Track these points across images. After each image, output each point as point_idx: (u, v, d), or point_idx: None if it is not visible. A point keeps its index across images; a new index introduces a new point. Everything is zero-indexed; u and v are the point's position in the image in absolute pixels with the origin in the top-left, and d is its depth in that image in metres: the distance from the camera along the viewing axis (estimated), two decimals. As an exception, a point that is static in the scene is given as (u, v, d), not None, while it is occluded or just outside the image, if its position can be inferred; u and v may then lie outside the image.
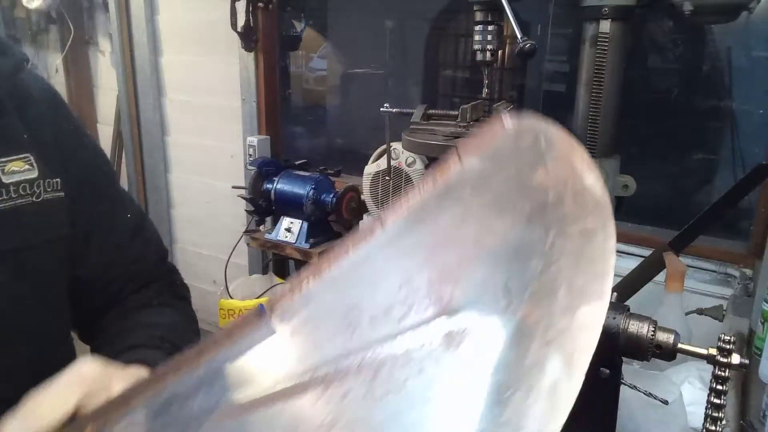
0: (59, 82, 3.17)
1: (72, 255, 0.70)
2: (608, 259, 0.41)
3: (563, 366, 0.35)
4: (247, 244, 2.31)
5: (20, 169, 0.63)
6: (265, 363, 0.37)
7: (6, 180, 0.62)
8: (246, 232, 2.26)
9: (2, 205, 0.61)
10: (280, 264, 2.47)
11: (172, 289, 0.81)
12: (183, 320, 0.77)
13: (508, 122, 0.49)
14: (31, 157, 0.65)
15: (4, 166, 0.62)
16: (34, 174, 0.64)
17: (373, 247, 0.41)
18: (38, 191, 0.65)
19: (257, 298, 2.22)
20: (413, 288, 0.39)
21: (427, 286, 0.39)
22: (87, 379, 0.45)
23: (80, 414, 0.42)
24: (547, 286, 0.39)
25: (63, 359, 0.69)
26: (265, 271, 2.57)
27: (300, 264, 2.25)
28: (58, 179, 0.67)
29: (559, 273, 0.40)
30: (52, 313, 0.70)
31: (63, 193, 0.67)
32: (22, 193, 0.63)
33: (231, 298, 2.26)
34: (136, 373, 0.48)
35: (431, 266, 0.41)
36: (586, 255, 0.41)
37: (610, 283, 0.39)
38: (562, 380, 0.34)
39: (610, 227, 0.43)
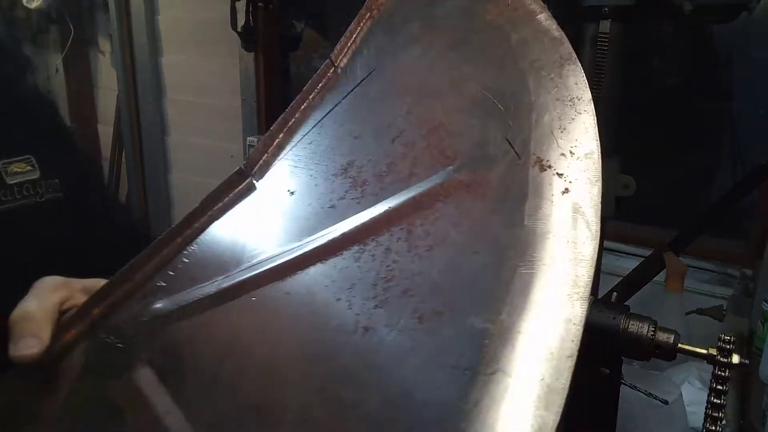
0: (59, 82, 3.17)
1: (69, 253, 0.71)
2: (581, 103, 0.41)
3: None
4: (247, 244, 2.30)
5: (22, 170, 0.64)
6: (264, 227, 0.37)
7: (9, 181, 0.63)
8: (246, 232, 2.26)
9: (7, 205, 0.63)
10: (280, 264, 2.47)
11: None
12: None
13: None
14: (33, 159, 0.66)
15: (7, 167, 0.63)
16: (36, 175, 0.66)
17: (337, 95, 0.40)
18: (41, 191, 0.66)
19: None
20: (408, 142, 0.39)
21: (423, 140, 0.38)
22: (58, 282, 0.44)
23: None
24: (546, 136, 0.39)
25: None
26: (265, 271, 2.57)
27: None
28: (57, 180, 0.68)
29: (552, 121, 0.40)
30: None
31: (62, 194, 0.68)
32: (26, 193, 0.64)
33: (231, 298, 2.26)
34: (95, 281, 0.46)
35: (418, 117, 0.39)
36: (563, 99, 0.41)
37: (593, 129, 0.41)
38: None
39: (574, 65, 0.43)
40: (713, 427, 0.61)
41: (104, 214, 0.81)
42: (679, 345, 0.62)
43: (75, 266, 0.71)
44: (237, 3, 2.22)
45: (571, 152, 0.38)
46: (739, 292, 1.50)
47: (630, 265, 1.49)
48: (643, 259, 1.38)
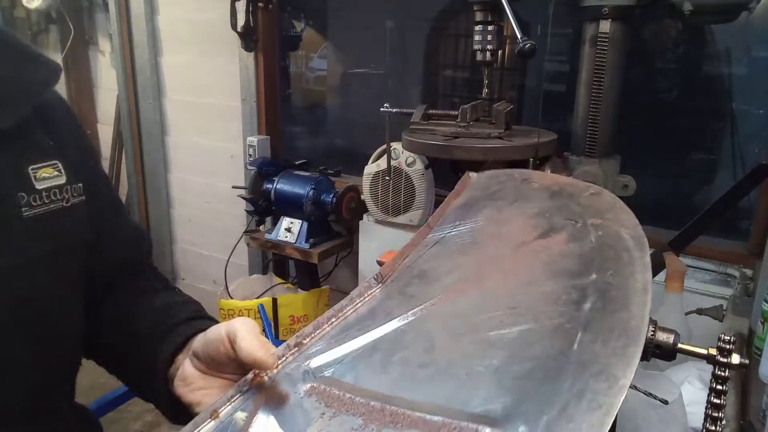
0: (59, 82, 3.16)
1: (90, 255, 0.73)
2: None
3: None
4: (247, 244, 2.31)
5: (50, 175, 0.66)
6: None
7: (39, 186, 0.64)
8: (246, 232, 2.27)
9: (37, 210, 0.64)
10: (280, 264, 2.47)
11: (162, 276, 0.86)
12: (193, 299, 0.81)
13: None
14: (59, 164, 0.67)
15: (36, 172, 0.65)
16: (63, 180, 0.67)
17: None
18: (67, 196, 0.68)
19: (257, 298, 2.22)
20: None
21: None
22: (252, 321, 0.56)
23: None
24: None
25: (79, 351, 0.74)
26: (265, 271, 2.57)
27: (300, 264, 2.25)
28: (81, 184, 0.70)
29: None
30: (80, 311, 0.74)
31: (84, 197, 0.70)
32: (54, 198, 0.66)
33: (231, 298, 2.26)
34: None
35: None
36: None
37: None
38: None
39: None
40: (713, 427, 0.61)
41: (117, 211, 0.83)
42: (679, 345, 0.62)
43: (93, 262, 0.73)
44: (237, 3, 2.22)
45: None
46: (739, 292, 1.50)
47: (630, 265, 1.49)
48: (643, 259, 1.38)
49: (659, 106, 1.79)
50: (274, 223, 2.22)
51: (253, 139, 2.38)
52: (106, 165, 3.19)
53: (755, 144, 1.65)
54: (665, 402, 0.75)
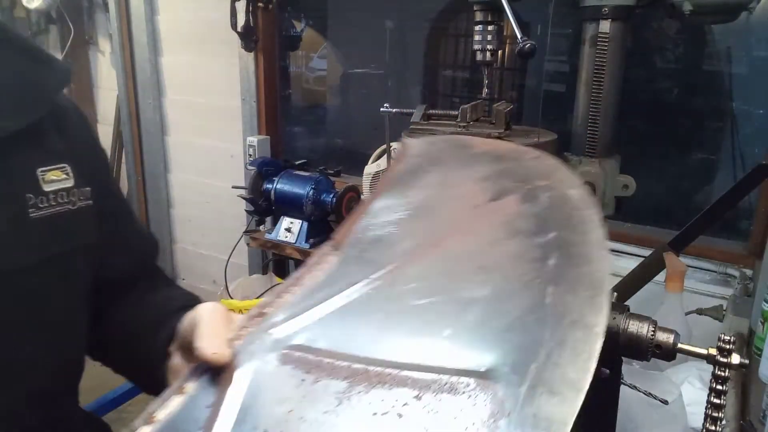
0: (59, 82, 3.17)
1: (98, 259, 0.74)
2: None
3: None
4: (247, 244, 2.31)
5: (58, 178, 0.67)
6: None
7: (46, 188, 0.65)
8: (246, 232, 2.26)
9: (44, 212, 0.64)
10: (280, 264, 2.47)
11: (165, 276, 0.88)
12: (191, 293, 0.82)
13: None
14: (68, 167, 0.68)
15: (44, 174, 0.65)
16: (71, 183, 0.68)
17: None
18: (74, 199, 0.68)
19: (257, 298, 2.22)
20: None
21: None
22: (220, 305, 0.57)
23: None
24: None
25: (83, 355, 0.75)
26: (265, 271, 2.57)
27: (300, 264, 2.25)
28: (89, 188, 0.70)
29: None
30: (86, 314, 0.74)
31: (92, 201, 0.71)
32: (60, 201, 0.66)
33: (231, 298, 2.26)
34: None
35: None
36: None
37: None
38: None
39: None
40: (713, 427, 0.61)
41: (126, 217, 0.84)
42: (679, 345, 0.62)
43: (100, 267, 0.73)
44: (237, 3, 2.22)
45: None
46: (739, 292, 1.50)
47: (630, 265, 1.48)
48: (643, 259, 1.38)
49: (659, 106, 1.79)
50: (274, 223, 2.22)
51: (253, 139, 2.37)
52: (106, 165, 3.19)
53: (755, 144, 1.65)
54: (665, 402, 0.75)
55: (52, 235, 0.65)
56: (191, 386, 0.47)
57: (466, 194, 0.60)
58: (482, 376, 0.39)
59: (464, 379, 0.39)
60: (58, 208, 0.66)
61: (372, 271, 0.51)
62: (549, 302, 0.43)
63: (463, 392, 0.38)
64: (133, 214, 0.85)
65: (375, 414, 0.39)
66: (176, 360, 0.63)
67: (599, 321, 0.40)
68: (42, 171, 0.65)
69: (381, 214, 0.60)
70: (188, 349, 0.57)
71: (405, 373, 0.41)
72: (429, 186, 0.63)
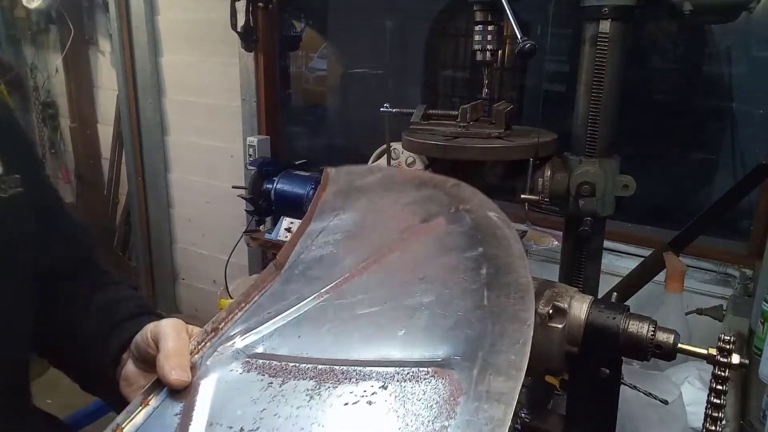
0: (59, 82, 3.17)
1: (36, 251, 0.71)
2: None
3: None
4: (247, 244, 2.30)
5: None
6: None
7: None
8: (246, 232, 2.26)
9: None
10: (280, 264, 2.47)
11: (104, 271, 0.84)
12: (136, 293, 0.80)
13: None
14: None
15: None
16: (0, 170, 0.65)
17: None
18: (4, 187, 0.65)
19: (257, 298, 2.21)
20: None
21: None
22: (182, 325, 0.57)
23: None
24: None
25: (29, 348, 0.72)
26: (265, 271, 2.57)
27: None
28: (18, 175, 0.67)
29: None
30: (30, 307, 0.72)
31: (23, 189, 0.68)
32: None
33: (231, 298, 2.26)
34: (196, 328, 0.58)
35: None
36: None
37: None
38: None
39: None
40: (713, 427, 0.61)
41: (59, 208, 0.81)
42: (679, 345, 0.62)
43: (38, 258, 0.71)
44: (237, 3, 2.22)
45: None
46: (739, 292, 1.49)
47: (630, 265, 1.49)
48: (643, 259, 1.38)
49: (659, 106, 1.79)
50: (274, 223, 2.22)
51: (253, 139, 2.37)
52: (106, 165, 3.19)
53: (755, 144, 1.65)
54: (665, 402, 0.75)
55: None
56: (155, 398, 0.49)
57: (396, 217, 0.67)
58: (439, 364, 0.44)
59: (424, 369, 0.44)
60: None
61: (319, 287, 0.56)
62: (487, 303, 0.50)
63: (424, 379, 0.43)
64: (65, 205, 0.83)
65: (346, 404, 0.43)
66: (130, 369, 0.62)
67: (529, 316, 0.47)
68: None
69: (317, 236, 0.65)
70: (146, 361, 0.57)
71: (369, 368, 0.45)
72: (359, 210, 0.70)
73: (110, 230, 3.27)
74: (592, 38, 1.07)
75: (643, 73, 1.76)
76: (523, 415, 0.80)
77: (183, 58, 2.64)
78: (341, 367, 0.46)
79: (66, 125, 3.24)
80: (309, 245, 0.64)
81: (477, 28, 1.18)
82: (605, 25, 1.05)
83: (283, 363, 0.48)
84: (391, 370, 0.44)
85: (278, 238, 2.15)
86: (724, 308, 1.38)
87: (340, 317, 0.52)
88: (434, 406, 0.41)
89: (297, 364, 0.47)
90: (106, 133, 3.11)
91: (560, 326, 0.65)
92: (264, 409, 0.44)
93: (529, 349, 0.44)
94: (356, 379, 0.44)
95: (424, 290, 0.53)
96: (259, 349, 0.50)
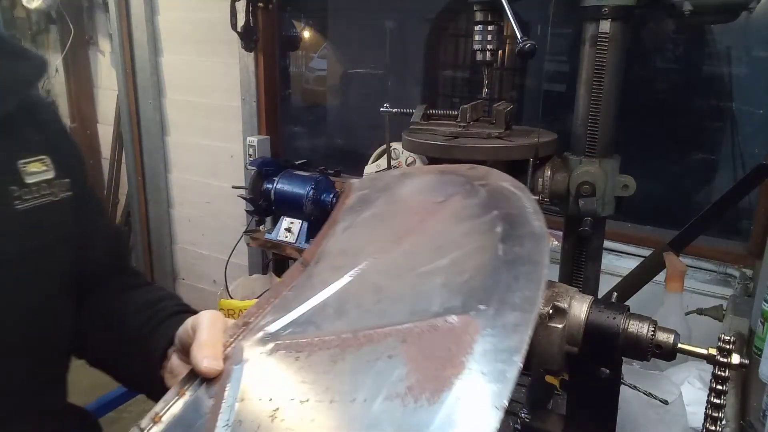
0: (59, 82, 3.17)
1: (75, 251, 0.73)
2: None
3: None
4: (247, 244, 2.31)
5: (39, 170, 0.66)
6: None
7: (28, 180, 0.65)
8: (246, 232, 2.26)
9: (28, 204, 0.64)
10: (280, 264, 2.47)
11: (140, 273, 0.88)
12: (174, 293, 0.82)
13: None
14: (48, 159, 0.68)
15: (25, 167, 0.65)
16: (52, 174, 0.68)
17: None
18: (56, 191, 0.68)
19: (257, 297, 2.22)
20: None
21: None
22: (219, 316, 0.59)
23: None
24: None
25: (68, 349, 0.75)
26: (265, 271, 2.57)
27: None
28: (68, 179, 0.70)
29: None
30: (70, 308, 0.74)
31: (72, 192, 0.70)
32: (43, 192, 0.66)
33: (231, 298, 2.26)
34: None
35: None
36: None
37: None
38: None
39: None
40: (713, 427, 0.61)
41: (100, 213, 0.84)
42: (679, 345, 0.62)
43: (79, 260, 0.73)
44: (237, 3, 2.22)
45: None
46: (739, 292, 1.50)
47: (630, 265, 1.49)
48: (643, 259, 1.38)
49: (659, 106, 1.79)
50: (274, 223, 2.22)
51: (253, 139, 2.37)
52: (106, 165, 3.19)
53: (755, 144, 1.65)
54: (665, 402, 0.75)
55: (37, 227, 0.65)
56: (191, 388, 0.51)
57: (416, 204, 0.71)
58: (455, 312, 0.46)
59: (441, 319, 0.46)
60: (42, 200, 0.66)
61: (343, 273, 0.58)
62: (501, 254, 0.52)
63: (441, 326, 0.46)
64: (104, 207, 0.86)
65: (368, 361, 0.45)
66: (175, 362, 0.64)
67: (545, 260, 0.50)
68: (22, 163, 0.65)
69: (342, 233, 0.68)
70: (188, 352, 0.58)
71: (388, 329, 0.47)
72: (380, 205, 0.73)
73: (110, 230, 3.27)
74: (592, 38, 1.07)
75: (643, 73, 1.76)
76: (523, 415, 0.80)
77: (183, 58, 2.64)
78: (363, 331, 0.48)
79: (66, 125, 3.24)
80: (333, 242, 0.67)
81: (477, 28, 1.18)
82: (605, 25, 1.05)
83: (310, 338, 0.50)
84: (410, 325, 0.46)
85: (278, 238, 2.15)
86: (724, 308, 1.38)
87: (363, 294, 0.54)
88: (451, 346, 0.43)
89: (322, 338, 0.49)
90: (106, 133, 3.11)
91: (560, 326, 0.65)
92: (291, 380, 0.46)
93: (544, 285, 0.46)
94: (377, 340, 0.46)
95: (441, 255, 0.55)
96: (287, 333, 0.52)
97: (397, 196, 0.75)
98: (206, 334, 0.55)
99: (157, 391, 0.65)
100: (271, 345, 0.51)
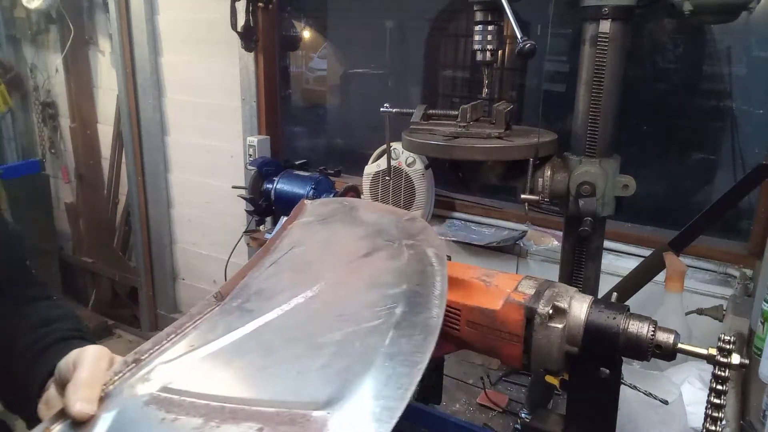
0: (59, 82, 3.17)
1: None
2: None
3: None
4: (247, 244, 2.30)
5: None
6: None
7: None
8: (246, 232, 2.26)
9: None
10: (280, 264, 2.47)
11: (41, 282, 0.82)
12: (72, 312, 0.79)
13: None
14: None
15: None
16: None
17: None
18: None
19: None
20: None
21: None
22: (104, 353, 0.56)
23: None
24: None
25: None
26: (265, 271, 2.57)
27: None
28: None
29: None
30: None
31: None
32: None
33: (231, 298, 2.26)
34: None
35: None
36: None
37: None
38: None
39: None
40: (713, 427, 0.61)
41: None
42: (679, 345, 0.62)
43: None
44: (237, 3, 2.22)
45: None
46: (739, 292, 1.49)
47: (630, 265, 1.49)
48: (643, 259, 1.38)
49: (659, 106, 1.79)
50: (274, 223, 2.22)
51: (253, 139, 2.37)
52: (106, 165, 3.19)
53: (755, 144, 1.65)
54: (665, 402, 0.75)
55: None
56: (58, 428, 0.50)
57: (345, 251, 0.72)
58: (318, 407, 0.47)
59: (302, 411, 0.47)
60: None
61: (249, 320, 0.59)
62: (387, 344, 0.53)
63: (299, 422, 0.46)
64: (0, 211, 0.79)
65: None
66: (52, 393, 0.61)
67: (423, 360, 0.51)
68: None
69: (267, 268, 0.69)
70: (65, 387, 0.56)
71: (255, 408, 0.48)
72: (314, 243, 0.75)
73: (110, 230, 3.27)
74: (592, 38, 1.07)
75: (643, 73, 1.76)
76: (523, 415, 0.80)
77: (183, 58, 2.64)
78: (231, 406, 0.48)
79: (66, 125, 3.24)
80: (256, 277, 0.68)
81: (477, 28, 1.18)
82: (605, 25, 1.05)
83: (182, 398, 0.49)
84: (273, 411, 0.47)
85: (278, 238, 2.14)
86: (724, 308, 1.38)
87: (255, 353, 0.55)
88: None
89: (193, 401, 0.49)
90: (106, 133, 3.11)
91: (560, 326, 0.65)
92: None
93: (410, 394, 0.47)
94: (239, 419, 0.46)
95: (338, 327, 0.57)
96: (172, 382, 0.52)
97: (332, 235, 0.76)
98: (86, 372, 0.53)
99: (34, 419, 0.63)
100: (148, 396, 0.50)
